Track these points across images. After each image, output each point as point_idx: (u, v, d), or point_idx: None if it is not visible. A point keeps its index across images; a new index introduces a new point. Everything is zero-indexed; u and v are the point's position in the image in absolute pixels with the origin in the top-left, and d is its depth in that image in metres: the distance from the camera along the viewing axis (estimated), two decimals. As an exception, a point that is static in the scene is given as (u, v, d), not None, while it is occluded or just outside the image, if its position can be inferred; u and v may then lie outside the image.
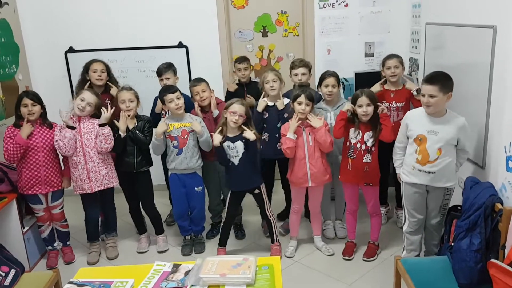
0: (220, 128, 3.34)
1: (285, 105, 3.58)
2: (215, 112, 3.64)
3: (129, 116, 3.52)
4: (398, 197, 3.86)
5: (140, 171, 3.62)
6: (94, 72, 3.77)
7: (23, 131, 3.28)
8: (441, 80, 2.78)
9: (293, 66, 3.77)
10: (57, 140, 3.37)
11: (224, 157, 3.35)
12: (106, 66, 3.85)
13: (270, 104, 3.62)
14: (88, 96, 3.40)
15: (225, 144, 3.33)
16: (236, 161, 3.35)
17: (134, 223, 3.90)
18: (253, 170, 3.42)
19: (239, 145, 3.33)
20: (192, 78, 4.58)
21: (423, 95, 2.82)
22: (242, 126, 3.32)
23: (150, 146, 3.56)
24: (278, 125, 3.56)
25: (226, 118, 3.31)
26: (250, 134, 3.28)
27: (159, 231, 3.86)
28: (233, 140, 3.34)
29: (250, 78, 4.14)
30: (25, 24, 4.48)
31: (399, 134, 3.12)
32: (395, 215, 4.01)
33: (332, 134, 3.39)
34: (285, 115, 3.54)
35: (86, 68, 3.81)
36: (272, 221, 3.56)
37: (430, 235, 3.10)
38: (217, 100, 3.73)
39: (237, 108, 3.26)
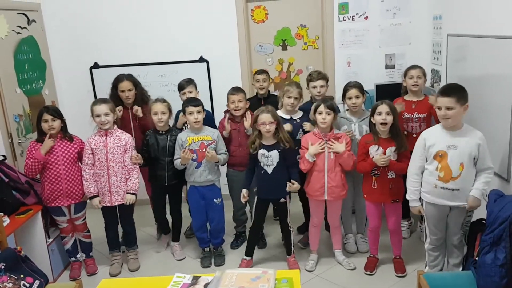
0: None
1: (300, 118, 3.62)
2: (249, 130, 3.61)
3: (161, 126, 3.61)
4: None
5: (172, 183, 3.69)
6: (122, 92, 3.86)
7: (43, 147, 3.36)
8: (458, 91, 2.75)
9: (311, 79, 3.77)
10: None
11: (253, 166, 3.42)
12: (133, 81, 3.92)
13: (287, 117, 3.63)
14: (100, 109, 3.44)
15: (260, 152, 3.34)
16: (269, 169, 3.35)
17: (161, 229, 4.00)
18: (285, 180, 3.39)
19: (274, 154, 3.34)
20: (213, 91, 4.68)
21: (440, 108, 2.77)
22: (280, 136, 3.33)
23: (174, 163, 3.58)
24: (298, 137, 3.56)
25: (259, 130, 3.33)
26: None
27: (176, 238, 3.95)
28: (269, 149, 3.35)
29: (269, 91, 4.15)
30: (52, 41, 4.62)
31: (414, 158, 2.98)
32: (419, 228, 3.93)
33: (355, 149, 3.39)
34: (300, 129, 3.56)
35: (115, 86, 3.89)
36: (291, 232, 3.55)
37: (452, 254, 3.02)
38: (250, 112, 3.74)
39: (264, 117, 3.27)
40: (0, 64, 3.75)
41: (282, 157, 3.34)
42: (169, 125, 3.70)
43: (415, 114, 3.59)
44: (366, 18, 4.55)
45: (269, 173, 3.36)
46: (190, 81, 3.91)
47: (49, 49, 4.60)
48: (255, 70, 4.22)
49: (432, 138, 2.90)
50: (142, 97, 3.97)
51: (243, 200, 3.48)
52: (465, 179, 2.78)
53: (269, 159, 3.35)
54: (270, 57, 4.81)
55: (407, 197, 3.05)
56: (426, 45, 4.45)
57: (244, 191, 3.47)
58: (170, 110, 3.64)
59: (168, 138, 3.62)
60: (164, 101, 3.63)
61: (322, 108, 3.28)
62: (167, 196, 3.84)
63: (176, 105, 3.91)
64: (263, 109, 3.32)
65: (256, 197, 3.52)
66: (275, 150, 3.34)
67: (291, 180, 3.35)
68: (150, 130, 3.69)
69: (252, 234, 3.62)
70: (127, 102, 3.90)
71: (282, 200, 3.46)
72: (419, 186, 2.99)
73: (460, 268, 2.99)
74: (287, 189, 3.37)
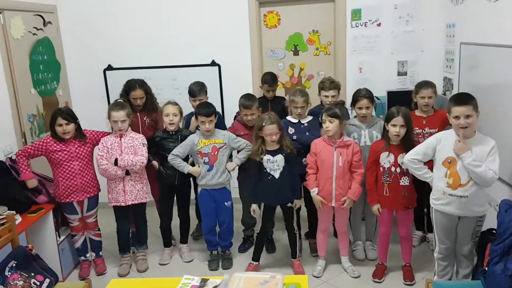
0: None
1: (308, 122, 3.64)
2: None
3: (172, 128, 3.64)
4: (429, 221, 3.70)
5: (181, 183, 3.72)
6: (134, 99, 3.89)
7: (31, 182, 3.44)
8: (473, 99, 2.75)
9: (323, 87, 3.77)
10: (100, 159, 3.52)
11: (257, 172, 3.42)
12: (145, 90, 3.93)
13: (294, 121, 3.65)
14: (118, 115, 3.49)
15: (265, 157, 3.37)
16: (277, 174, 3.37)
17: (162, 236, 3.97)
18: (291, 184, 3.42)
19: (280, 158, 3.36)
20: (224, 95, 4.71)
21: (457, 118, 2.75)
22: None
23: (171, 157, 3.57)
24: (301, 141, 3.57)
25: (261, 137, 3.35)
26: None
27: (184, 239, 3.97)
28: (273, 153, 3.37)
29: (275, 94, 4.14)
30: (67, 43, 4.69)
31: (420, 146, 3.00)
32: (426, 239, 3.91)
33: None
34: (307, 133, 3.59)
35: (126, 92, 3.91)
36: (296, 236, 3.55)
37: (461, 264, 3.00)
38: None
39: (270, 129, 3.29)
40: (16, 65, 3.81)
41: (287, 160, 3.37)
42: (179, 126, 3.73)
43: (426, 129, 3.56)
44: (378, 25, 4.55)
45: (277, 177, 3.38)
46: (202, 89, 3.90)
47: (64, 51, 4.67)
48: (264, 75, 4.14)
49: (444, 142, 2.89)
50: (152, 104, 3.99)
51: (254, 215, 3.54)
52: (474, 187, 2.77)
53: (275, 164, 3.36)
54: (282, 62, 4.83)
55: (422, 174, 3.03)
56: (438, 53, 4.43)
57: (254, 206, 3.51)
58: (181, 113, 3.69)
59: (179, 138, 3.65)
60: (175, 103, 3.69)
61: (324, 116, 3.29)
62: (174, 198, 3.86)
63: (187, 109, 3.95)
64: (267, 119, 3.31)
65: (263, 203, 3.53)
66: (280, 154, 3.36)
67: (294, 201, 3.46)
68: (159, 131, 3.73)
69: (259, 239, 3.64)
70: (137, 108, 3.94)
71: (289, 204, 3.48)
72: (423, 166, 3.00)
73: (470, 279, 2.97)
74: (293, 206, 3.46)
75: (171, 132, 3.67)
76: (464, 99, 2.77)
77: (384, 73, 4.62)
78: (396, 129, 3.16)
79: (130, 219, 3.81)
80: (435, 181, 2.95)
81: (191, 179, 3.84)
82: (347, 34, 4.59)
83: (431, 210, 3.04)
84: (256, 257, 3.65)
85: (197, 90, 3.88)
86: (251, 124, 3.68)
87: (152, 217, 4.03)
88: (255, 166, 3.42)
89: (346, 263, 3.60)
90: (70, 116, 3.46)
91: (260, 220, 3.58)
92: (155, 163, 3.73)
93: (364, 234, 3.86)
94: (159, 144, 3.67)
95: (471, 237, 2.91)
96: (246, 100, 3.69)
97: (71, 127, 3.45)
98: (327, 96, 3.74)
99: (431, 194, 3.02)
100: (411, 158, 3.02)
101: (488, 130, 2.93)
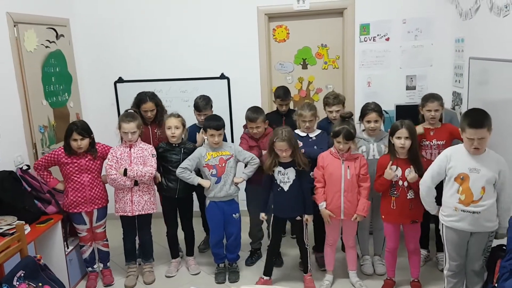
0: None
1: (316, 135, 3.64)
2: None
3: (174, 140, 3.65)
4: (438, 240, 3.65)
5: (182, 196, 3.72)
6: (145, 111, 3.91)
7: (59, 186, 3.60)
8: (487, 119, 2.72)
9: (327, 103, 3.80)
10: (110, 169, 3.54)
11: (268, 186, 3.44)
12: (156, 102, 3.95)
13: (303, 135, 3.66)
14: (129, 127, 3.51)
15: (277, 169, 3.37)
16: (286, 187, 3.38)
17: (169, 247, 3.97)
18: (301, 197, 3.41)
19: (291, 171, 3.36)
20: (233, 108, 4.73)
21: (471, 139, 2.72)
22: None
23: (179, 171, 3.56)
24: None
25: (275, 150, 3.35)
26: None
27: (190, 252, 3.96)
28: (285, 166, 3.37)
29: (289, 107, 4.16)
30: (78, 56, 4.75)
31: (434, 170, 2.95)
32: (435, 258, 3.83)
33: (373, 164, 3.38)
34: (315, 146, 3.59)
35: (137, 104, 3.93)
36: (308, 250, 3.53)
37: (471, 281, 2.96)
38: (267, 130, 3.75)
39: (280, 146, 3.29)
40: (28, 77, 3.87)
41: (298, 175, 3.36)
42: (182, 138, 3.73)
43: (433, 141, 3.54)
44: (387, 39, 4.57)
45: (286, 190, 3.38)
46: (207, 103, 3.92)
47: (75, 63, 4.73)
48: (276, 89, 4.15)
49: (454, 158, 2.87)
50: (162, 117, 3.98)
51: (262, 219, 3.54)
52: (486, 202, 2.75)
53: (286, 176, 3.36)
54: (290, 75, 4.86)
55: (432, 211, 3.04)
56: (447, 68, 4.44)
57: (262, 214, 3.51)
58: (184, 125, 3.69)
59: (182, 151, 3.66)
60: (178, 115, 3.69)
61: (340, 138, 3.27)
62: (177, 210, 3.86)
63: (192, 120, 3.98)
64: (279, 135, 3.30)
65: (272, 215, 3.52)
66: (292, 168, 3.36)
67: (305, 215, 3.45)
68: (163, 143, 3.74)
69: (270, 253, 3.61)
70: (148, 120, 3.98)
71: (298, 218, 3.46)
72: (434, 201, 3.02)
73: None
74: (304, 221, 3.44)
75: (174, 144, 3.68)
76: (479, 122, 2.70)
77: (392, 87, 4.63)
78: (401, 141, 3.16)
79: (136, 229, 3.80)
80: (446, 198, 2.92)
81: (193, 193, 3.84)
82: (356, 48, 4.61)
83: (440, 228, 3.01)
84: (267, 272, 3.61)
85: (202, 105, 3.91)
86: (257, 136, 3.70)
87: (159, 229, 4.03)
88: (267, 179, 3.43)
89: (354, 278, 3.57)
90: (85, 131, 3.48)
91: (270, 233, 3.57)
92: (157, 174, 3.72)
93: (372, 248, 3.83)
94: (162, 156, 3.68)
95: (482, 252, 2.88)
96: (252, 113, 3.69)
97: (85, 142, 3.48)
98: (331, 112, 3.77)
99: (440, 211, 2.99)
100: (431, 186, 2.99)
101: (497, 146, 2.91)
